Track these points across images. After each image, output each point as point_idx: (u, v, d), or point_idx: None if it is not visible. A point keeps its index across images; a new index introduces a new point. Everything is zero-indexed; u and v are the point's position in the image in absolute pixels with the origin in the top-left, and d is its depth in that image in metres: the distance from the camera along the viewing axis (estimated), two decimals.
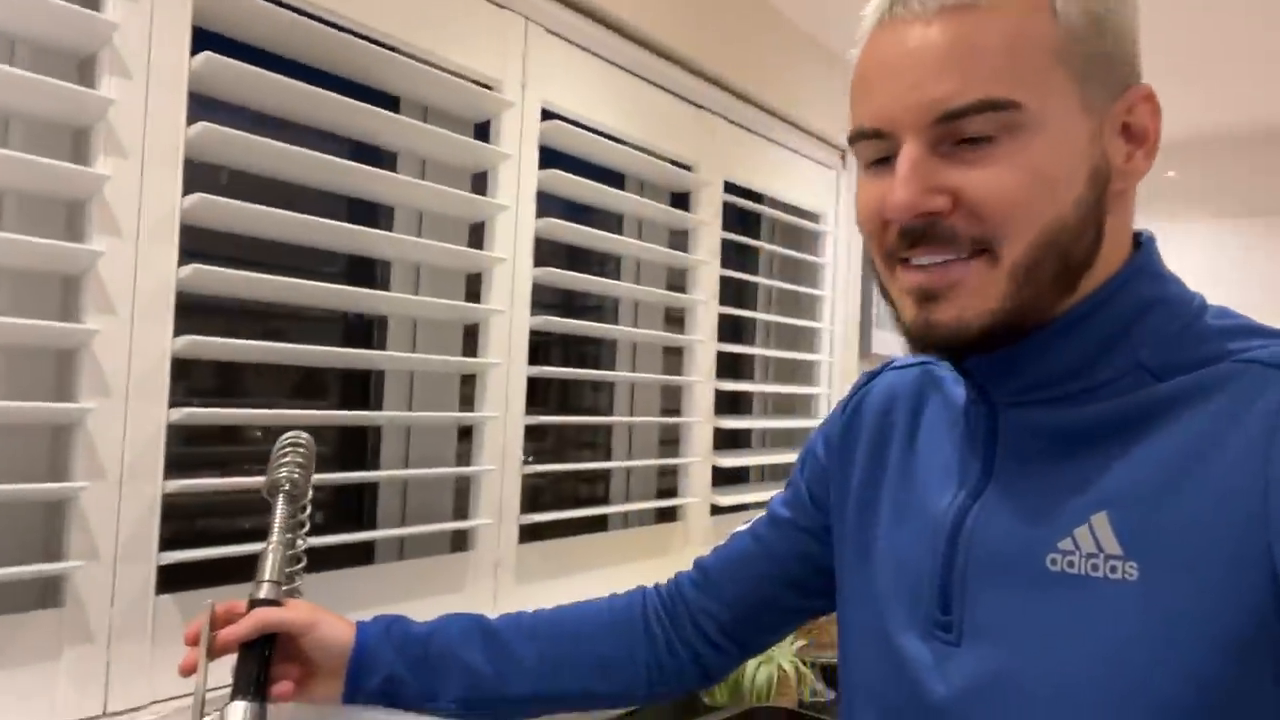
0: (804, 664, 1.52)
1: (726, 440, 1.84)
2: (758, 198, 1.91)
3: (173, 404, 0.94)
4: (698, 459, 1.72)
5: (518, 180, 1.33)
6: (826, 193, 2.14)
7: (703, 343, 1.71)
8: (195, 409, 0.95)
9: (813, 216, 2.12)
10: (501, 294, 1.31)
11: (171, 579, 0.96)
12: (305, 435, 0.83)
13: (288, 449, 0.81)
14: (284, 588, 0.75)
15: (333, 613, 0.76)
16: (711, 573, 0.85)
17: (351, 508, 1.29)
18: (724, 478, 1.83)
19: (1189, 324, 0.60)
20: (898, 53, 0.58)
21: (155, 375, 0.93)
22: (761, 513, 0.87)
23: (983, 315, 0.58)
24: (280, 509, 0.77)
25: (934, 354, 0.64)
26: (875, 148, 0.60)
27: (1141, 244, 0.63)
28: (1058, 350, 0.59)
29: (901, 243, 0.59)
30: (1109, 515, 0.56)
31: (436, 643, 0.79)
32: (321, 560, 1.07)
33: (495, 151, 1.28)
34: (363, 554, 1.25)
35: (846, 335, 2.16)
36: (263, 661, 0.69)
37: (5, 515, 0.90)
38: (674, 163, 1.64)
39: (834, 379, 2.11)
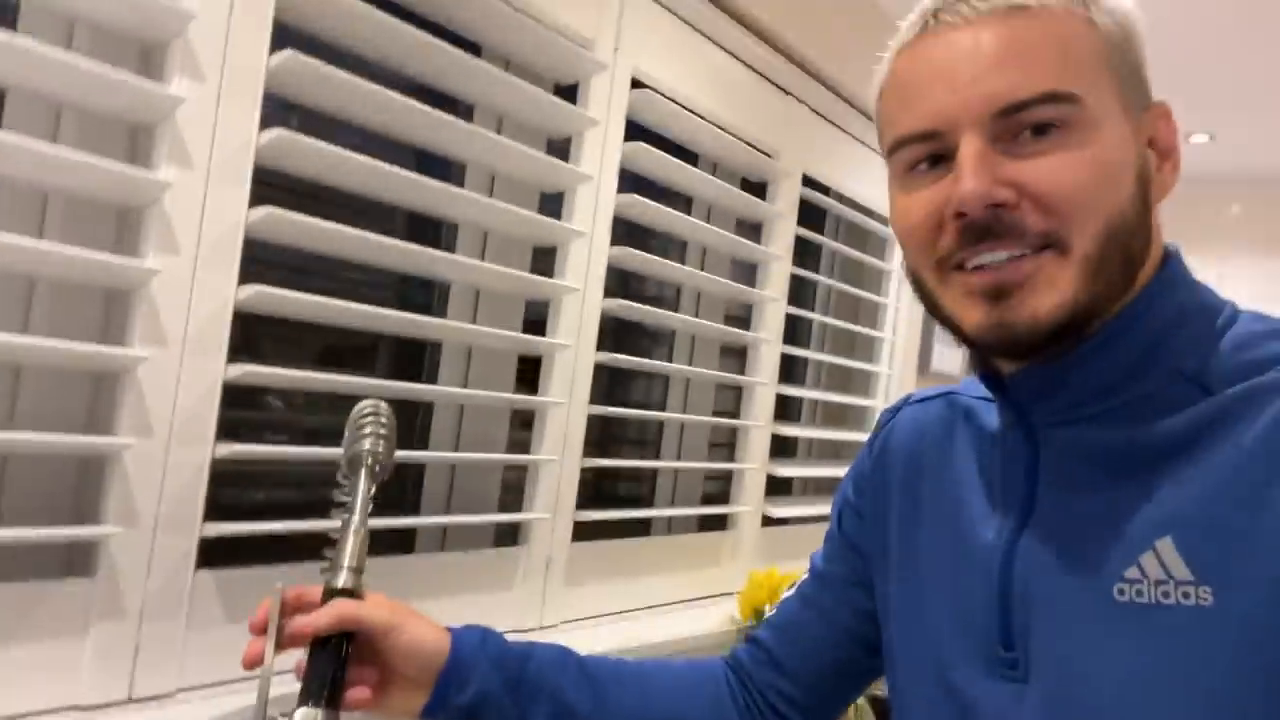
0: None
1: (776, 448, 1.74)
2: (827, 192, 1.81)
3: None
4: (755, 465, 1.62)
5: (602, 150, 1.23)
6: None
7: (769, 343, 1.61)
8: (255, 367, 0.85)
9: (884, 219, 2.02)
10: (576, 271, 1.21)
11: (211, 554, 0.86)
12: (384, 404, 0.73)
13: (368, 418, 0.71)
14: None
15: (418, 612, 0.66)
16: (771, 647, 0.81)
17: (393, 491, 1.20)
18: (773, 487, 1.73)
19: (1226, 329, 0.59)
20: (948, 55, 0.58)
21: (216, 325, 0.83)
22: (805, 562, 0.83)
23: (1056, 310, 0.56)
24: (362, 485, 0.67)
25: (1003, 356, 0.61)
26: (921, 150, 0.59)
27: (1170, 256, 0.62)
28: (1100, 362, 0.58)
29: (961, 242, 0.57)
30: (1174, 539, 0.53)
31: (533, 665, 0.72)
32: None
33: (583, 115, 1.18)
34: (402, 542, 1.15)
35: (907, 347, 2.06)
36: (339, 662, 0.59)
37: (36, 470, 0.80)
38: (757, 150, 1.54)
39: (890, 392, 2.01)
